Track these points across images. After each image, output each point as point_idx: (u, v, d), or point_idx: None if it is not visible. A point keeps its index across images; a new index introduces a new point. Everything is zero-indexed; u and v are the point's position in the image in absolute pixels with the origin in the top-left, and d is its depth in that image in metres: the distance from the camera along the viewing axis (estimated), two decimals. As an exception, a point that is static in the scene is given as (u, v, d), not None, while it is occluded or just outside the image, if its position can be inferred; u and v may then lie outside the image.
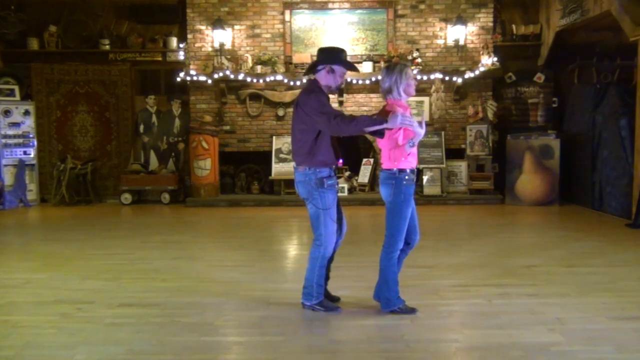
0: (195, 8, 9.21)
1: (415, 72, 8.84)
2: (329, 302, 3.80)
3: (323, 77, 3.67)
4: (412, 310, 3.68)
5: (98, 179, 9.60)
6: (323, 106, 3.51)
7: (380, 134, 3.52)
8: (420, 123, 3.49)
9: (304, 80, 8.84)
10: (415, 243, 3.76)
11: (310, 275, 3.72)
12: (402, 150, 3.49)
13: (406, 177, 3.53)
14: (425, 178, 8.74)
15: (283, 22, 9.14)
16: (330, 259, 3.83)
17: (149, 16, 9.67)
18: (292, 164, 3.81)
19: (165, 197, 9.16)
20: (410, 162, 3.56)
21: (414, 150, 3.58)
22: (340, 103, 9.20)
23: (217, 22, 8.94)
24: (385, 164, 3.60)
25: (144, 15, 9.68)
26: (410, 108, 3.70)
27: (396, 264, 3.66)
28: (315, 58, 3.84)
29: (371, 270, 4.62)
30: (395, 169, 3.53)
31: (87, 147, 9.78)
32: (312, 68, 3.75)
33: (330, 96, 3.87)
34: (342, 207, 3.92)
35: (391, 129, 3.45)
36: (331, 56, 3.69)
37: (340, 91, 8.87)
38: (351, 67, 3.79)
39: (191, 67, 9.17)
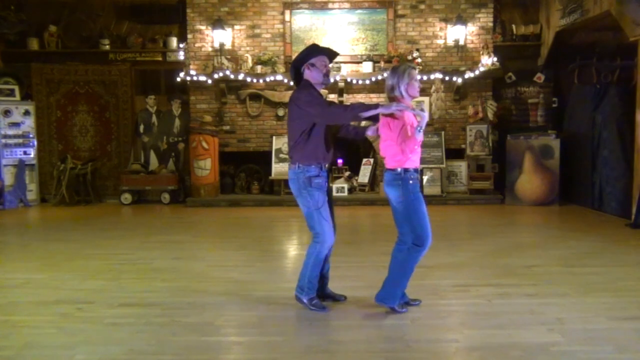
0: (195, 8, 9.21)
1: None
2: (319, 301, 3.80)
3: (309, 76, 3.74)
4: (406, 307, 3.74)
5: (98, 179, 9.60)
6: (315, 97, 3.62)
7: (375, 120, 3.56)
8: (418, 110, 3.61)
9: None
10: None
11: (304, 270, 3.79)
12: (405, 150, 3.48)
13: (412, 177, 3.54)
14: (425, 178, 8.74)
15: (283, 22, 9.14)
16: (326, 259, 3.84)
17: (149, 16, 9.67)
18: None
19: (165, 197, 9.16)
20: (414, 162, 3.56)
21: (418, 150, 3.59)
22: (340, 103, 9.20)
23: (217, 22, 8.94)
24: (389, 164, 3.59)
25: (144, 15, 9.69)
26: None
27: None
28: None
29: (371, 270, 4.64)
30: (399, 169, 3.53)
31: (87, 147, 9.78)
32: (297, 76, 3.81)
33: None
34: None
35: (391, 120, 3.50)
36: (304, 53, 3.78)
37: (340, 91, 8.87)
38: (327, 52, 3.80)
39: (191, 67, 9.17)
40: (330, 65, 3.80)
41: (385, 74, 8.53)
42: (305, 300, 3.78)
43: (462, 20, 8.90)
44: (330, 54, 3.84)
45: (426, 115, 3.49)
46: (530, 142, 8.42)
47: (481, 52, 8.93)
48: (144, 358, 3.07)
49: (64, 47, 9.56)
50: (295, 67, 3.79)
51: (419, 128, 3.42)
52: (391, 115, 3.50)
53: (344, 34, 9.09)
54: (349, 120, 3.63)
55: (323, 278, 3.91)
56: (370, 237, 6.46)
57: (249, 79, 8.98)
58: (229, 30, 9.10)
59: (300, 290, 3.81)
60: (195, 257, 5.45)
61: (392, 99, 3.60)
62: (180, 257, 5.43)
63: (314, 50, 3.77)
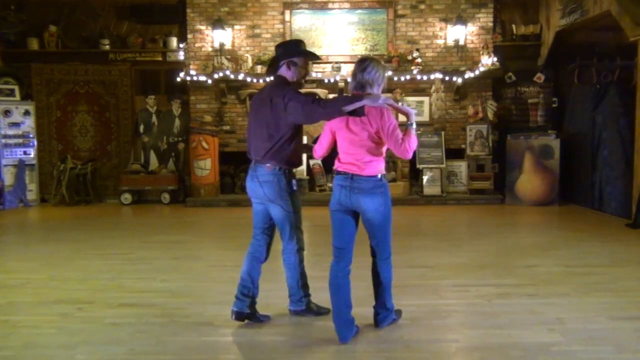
0: (195, 8, 9.21)
1: (415, 72, 8.86)
2: (317, 305, 3.71)
3: (285, 73, 3.53)
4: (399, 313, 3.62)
5: (98, 179, 9.60)
6: (295, 94, 3.34)
7: (359, 114, 3.10)
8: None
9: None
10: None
11: (292, 281, 3.67)
12: (382, 154, 3.27)
13: (387, 183, 3.31)
14: (425, 178, 8.74)
15: (283, 22, 9.14)
16: (258, 267, 3.76)
17: (149, 16, 9.67)
18: None
19: (165, 197, 9.15)
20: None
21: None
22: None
23: (217, 22, 8.94)
24: (368, 170, 3.20)
25: (144, 15, 9.68)
26: None
27: None
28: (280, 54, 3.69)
29: (370, 270, 4.62)
30: (379, 174, 3.23)
31: (87, 147, 9.78)
32: (274, 65, 3.61)
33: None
34: None
35: (376, 117, 3.17)
36: (289, 50, 3.56)
37: (340, 91, 8.87)
38: (311, 56, 3.69)
39: (191, 67, 9.17)
40: (327, 67, 3.75)
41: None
42: (303, 311, 3.68)
43: (462, 20, 8.90)
44: (313, 58, 3.74)
45: (412, 111, 3.24)
46: (530, 142, 8.42)
47: (481, 52, 8.94)
48: (144, 358, 3.07)
49: (64, 47, 9.56)
50: (277, 61, 3.55)
51: (410, 123, 3.19)
52: (354, 114, 3.09)
53: (344, 34, 9.09)
54: (332, 117, 3.25)
55: (253, 296, 3.64)
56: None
57: (249, 79, 8.98)
58: (229, 30, 9.10)
59: (297, 303, 3.69)
60: (195, 257, 5.45)
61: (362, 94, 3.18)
62: (180, 257, 5.44)
63: (299, 51, 3.55)
